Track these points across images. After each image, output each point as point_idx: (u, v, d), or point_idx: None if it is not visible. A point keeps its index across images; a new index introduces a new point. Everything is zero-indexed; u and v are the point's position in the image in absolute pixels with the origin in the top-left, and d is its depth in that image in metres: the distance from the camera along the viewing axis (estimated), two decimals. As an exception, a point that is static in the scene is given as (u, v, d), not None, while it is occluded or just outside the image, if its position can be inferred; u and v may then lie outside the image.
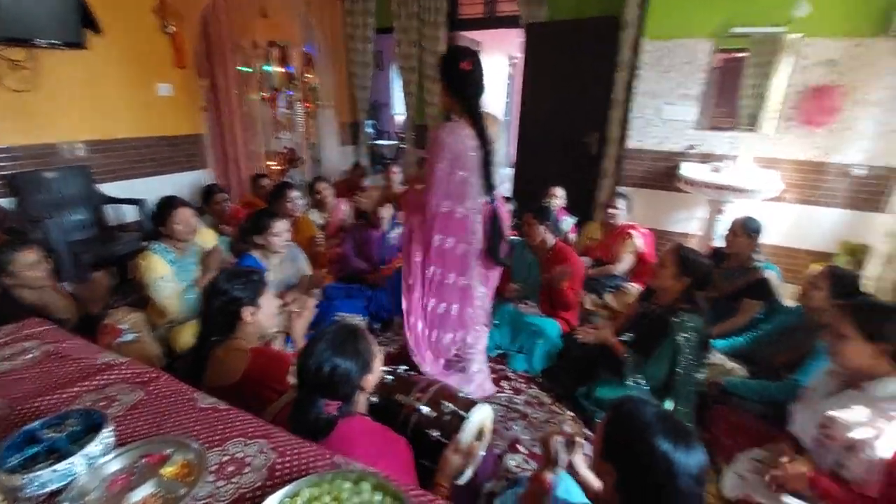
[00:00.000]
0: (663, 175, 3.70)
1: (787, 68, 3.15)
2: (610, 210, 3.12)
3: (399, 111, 7.64)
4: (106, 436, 0.90)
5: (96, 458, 0.87)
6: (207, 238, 2.50)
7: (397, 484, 0.82)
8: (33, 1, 2.56)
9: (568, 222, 3.54)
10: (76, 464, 0.84)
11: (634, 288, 2.84)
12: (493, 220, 1.77)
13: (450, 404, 1.45)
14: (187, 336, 2.08)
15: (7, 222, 2.67)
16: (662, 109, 3.57)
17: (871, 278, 2.87)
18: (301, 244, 2.80)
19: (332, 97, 5.23)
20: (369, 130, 6.47)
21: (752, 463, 1.54)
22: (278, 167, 5.37)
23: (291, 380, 1.39)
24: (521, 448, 1.87)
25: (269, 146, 4.98)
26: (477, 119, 1.66)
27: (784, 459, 1.33)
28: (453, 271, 1.85)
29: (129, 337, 2.08)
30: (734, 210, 3.09)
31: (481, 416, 1.49)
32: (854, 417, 1.23)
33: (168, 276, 2.16)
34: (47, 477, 0.82)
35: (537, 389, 2.24)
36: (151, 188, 3.42)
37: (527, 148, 4.40)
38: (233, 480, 0.86)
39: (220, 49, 4.02)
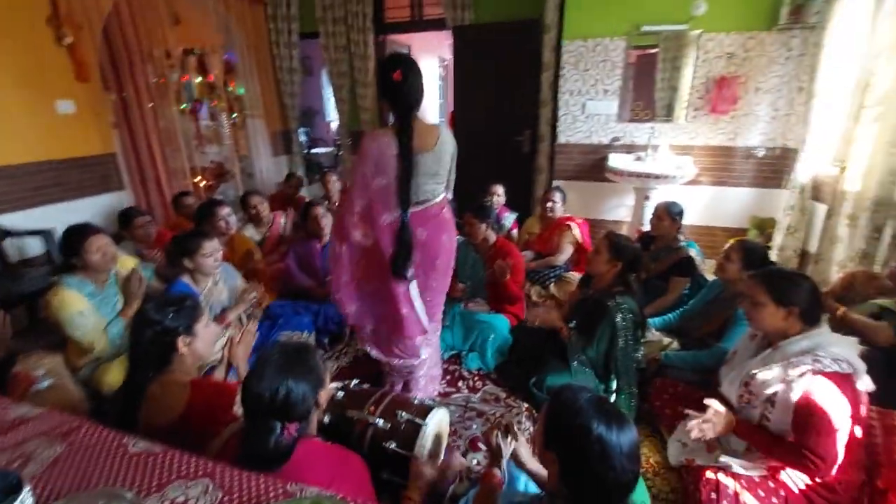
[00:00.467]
0: (593, 167, 3.90)
1: (692, 62, 3.43)
2: (547, 204, 3.24)
3: (333, 118, 7.47)
4: (24, 498, 0.80)
5: (13, 526, 0.77)
6: (129, 266, 2.30)
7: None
8: None
9: (509, 218, 3.63)
10: (-10, 535, 0.74)
11: (576, 276, 2.97)
12: (400, 232, 1.74)
13: (405, 413, 1.45)
14: (115, 375, 1.90)
15: None
16: (586, 106, 3.76)
17: (777, 248, 3.20)
18: (238, 263, 2.66)
19: (260, 106, 5.00)
20: (303, 139, 6.27)
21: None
22: (206, 183, 5.05)
23: (238, 410, 1.31)
24: (481, 446, 1.89)
25: (193, 161, 4.67)
26: (404, 129, 1.64)
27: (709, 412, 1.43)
28: (372, 269, 1.85)
29: (46, 384, 1.86)
30: (658, 195, 3.32)
31: (437, 421, 1.49)
32: (771, 374, 1.37)
33: (87, 311, 1.96)
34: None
35: (492, 386, 2.28)
36: (60, 216, 3.09)
37: (462, 148, 4.43)
38: (176, 527, 0.80)
39: (128, 59, 3.71)
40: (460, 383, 2.30)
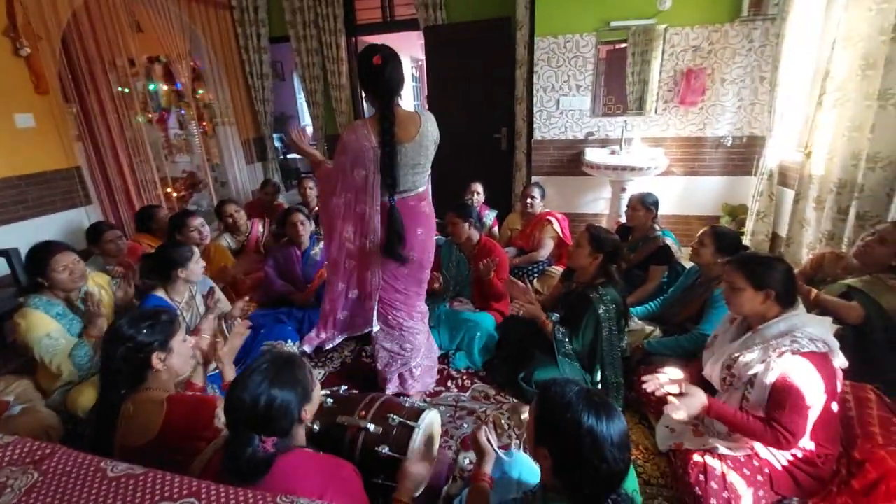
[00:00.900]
0: (570, 162, 3.95)
1: (660, 56, 3.51)
2: (527, 200, 3.26)
3: (307, 122, 7.36)
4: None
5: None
6: (101, 282, 2.22)
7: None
8: None
9: (490, 216, 3.65)
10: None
11: (558, 271, 3.00)
12: (389, 218, 1.76)
13: (396, 416, 1.43)
14: (89, 396, 1.83)
15: None
16: (560, 101, 3.81)
17: (749, 233, 3.30)
18: (215, 274, 2.60)
19: (231, 113, 4.89)
20: (277, 145, 6.16)
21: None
22: (178, 194, 4.92)
23: (220, 424, 1.28)
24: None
25: (164, 172, 4.54)
26: (385, 116, 1.63)
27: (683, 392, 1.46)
28: (354, 261, 1.87)
29: (17, 409, 1.79)
30: (634, 187, 3.38)
31: (429, 423, 1.49)
32: (751, 356, 1.40)
33: (56, 332, 1.88)
34: None
35: (481, 383, 2.28)
36: (23, 235, 2.95)
37: (440, 148, 4.44)
38: (161, 551, 0.77)
39: (89, 70, 3.58)
40: (449, 383, 2.29)
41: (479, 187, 3.58)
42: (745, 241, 3.24)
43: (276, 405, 0.99)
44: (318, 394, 1.17)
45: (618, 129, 3.71)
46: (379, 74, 1.61)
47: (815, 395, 1.31)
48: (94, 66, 3.61)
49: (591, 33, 3.58)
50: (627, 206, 2.80)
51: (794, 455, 1.40)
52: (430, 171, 1.89)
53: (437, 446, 1.55)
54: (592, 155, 3.68)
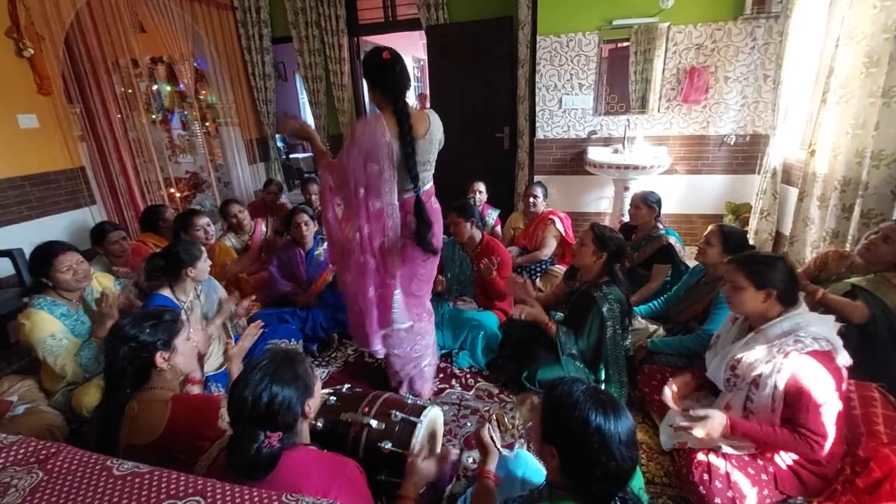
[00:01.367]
0: (572, 161, 3.95)
1: (663, 54, 3.50)
2: (529, 200, 3.26)
3: (310, 122, 7.38)
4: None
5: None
6: (105, 283, 2.23)
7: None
8: None
9: (492, 215, 3.64)
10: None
11: (561, 269, 3.00)
12: (417, 210, 1.77)
13: (399, 413, 1.44)
14: (93, 396, 1.83)
15: None
16: (563, 100, 3.80)
17: (753, 232, 3.29)
18: (217, 274, 2.60)
19: (234, 113, 4.91)
20: (280, 145, 6.18)
21: (682, 413, 1.69)
22: (181, 194, 4.94)
23: (223, 424, 1.28)
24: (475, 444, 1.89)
25: (167, 172, 4.55)
26: (399, 112, 1.64)
27: (702, 415, 1.45)
28: (373, 259, 1.84)
29: (21, 409, 1.80)
30: (637, 186, 3.37)
31: (431, 419, 1.49)
32: (755, 356, 1.40)
33: (60, 333, 1.89)
34: None
35: (485, 382, 2.28)
36: (27, 236, 2.97)
37: (443, 147, 4.45)
38: (167, 549, 0.77)
39: (92, 70, 3.59)
40: (453, 381, 2.29)
41: (481, 186, 3.58)
42: (749, 239, 3.22)
43: (277, 400, 1.00)
44: (320, 388, 1.17)
45: (620, 127, 3.70)
46: (391, 70, 1.63)
47: (827, 392, 1.30)
48: (98, 67, 3.62)
49: (594, 32, 3.57)
50: (630, 204, 2.80)
51: (813, 459, 1.38)
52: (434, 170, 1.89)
53: (440, 443, 1.55)
54: (595, 154, 3.67)
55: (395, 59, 1.63)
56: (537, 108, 3.88)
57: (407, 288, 1.91)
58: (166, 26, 4.06)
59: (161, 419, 1.23)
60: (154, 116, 4.80)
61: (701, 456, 1.42)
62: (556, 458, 0.94)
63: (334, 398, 1.53)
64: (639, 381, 1.97)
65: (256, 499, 0.87)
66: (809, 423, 1.29)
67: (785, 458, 1.40)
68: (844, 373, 1.38)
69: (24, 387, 1.93)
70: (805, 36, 2.89)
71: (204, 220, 2.72)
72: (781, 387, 1.34)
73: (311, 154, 7.48)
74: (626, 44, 3.59)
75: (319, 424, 1.42)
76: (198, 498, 0.87)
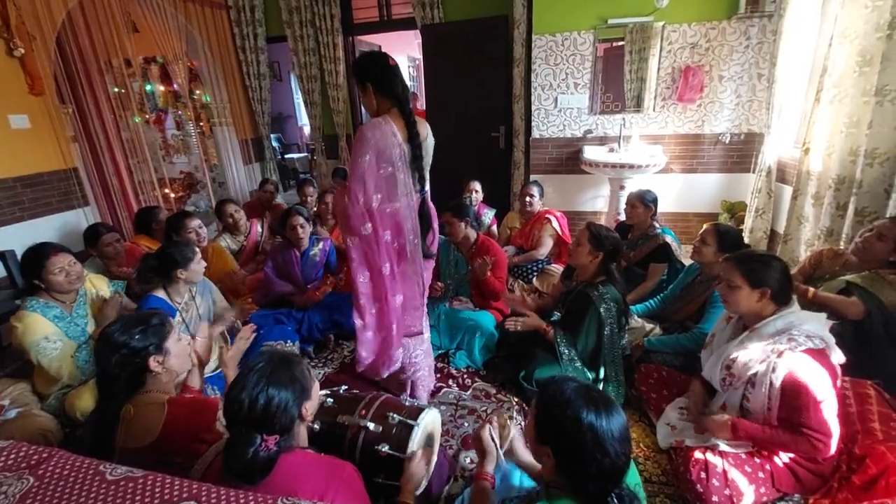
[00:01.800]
0: (568, 160, 3.95)
1: (657, 53, 3.50)
2: (525, 199, 3.26)
3: (305, 122, 7.35)
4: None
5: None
6: (99, 284, 2.21)
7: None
8: None
9: (488, 215, 3.64)
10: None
11: (558, 269, 3.00)
12: (420, 214, 1.78)
13: (396, 415, 1.43)
14: (88, 400, 1.82)
15: None
16: (558, 99, 3.80)
17: (748, 230, 3.31)
18: (215, 275, 2.58)
19: (228, 113, 4.88)
20: (275, 145, 6.15)
21: (678, 411, 1.69)
22: (176, 195, 4.90)
23: (221, 427, 1.27)
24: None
25: (161, 173, 4.52)
26: (407, 115, 1.66)
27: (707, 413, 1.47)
28: (388, 264, 1.82)
29: (13, 413, 1.78)
30: (633, 185, 3.38)
31: (429, 422, 1.48)
32: (750, 356, 1.40)
33: (54, 335, 1.87)
34: None
35: (482, 382, 2.28)
36: (20, 237, 2.94)
37: (438, 146, 4.43)
38: (161, 555, 0.76)
39: (85, 70, 3.56)
40: (450, 382, 2.29)
41: (477, 186, 3.58)
42: (744, 238, 3.24)
43: (274, 403, 0.99)
44: (318, 391, 1.16)
45: (616, 126, 3.71)
46: (397, 74, 1.66)
47: (825, 389, 1.30)
48: (90, 67, 3.59)
49: (589, 31, 3.57)
50: (626, 203, 2.80)
51: (819, 459, 1.38)
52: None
53: (437, 445, 1.55)
54: (591, 153, 3.67)
55: (397, 65, 1.69)
56: (533, 108, 3.88)
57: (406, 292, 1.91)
58: (159, 26, 4.03)
59: (157, 422, 1.22)
60: (148, 116, 4.76)
61: (698, 454, 1.43)
62: (551, 458, 0.94)
63: (331, 400, 1.52)
64: (636, 379, 1.97)
65: (252, 502, 0.86)
66: (811, 422, 1.29)
67: (782, 456, 1.41)
68: (838, 370, 1.38)
69: (16, 390, 1.91)
70: (799, 35, 2.90)
71: (195, 223, 2.70)
72: (777, 385, 1.34)
73: (305, 154, 7.47)
74: (621, 43, 3.59)
75: (316, 427, 1.41)
76: (192, 502, 0.86)
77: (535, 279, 3.14)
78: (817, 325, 1.38)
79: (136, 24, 4.15)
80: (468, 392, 2.21)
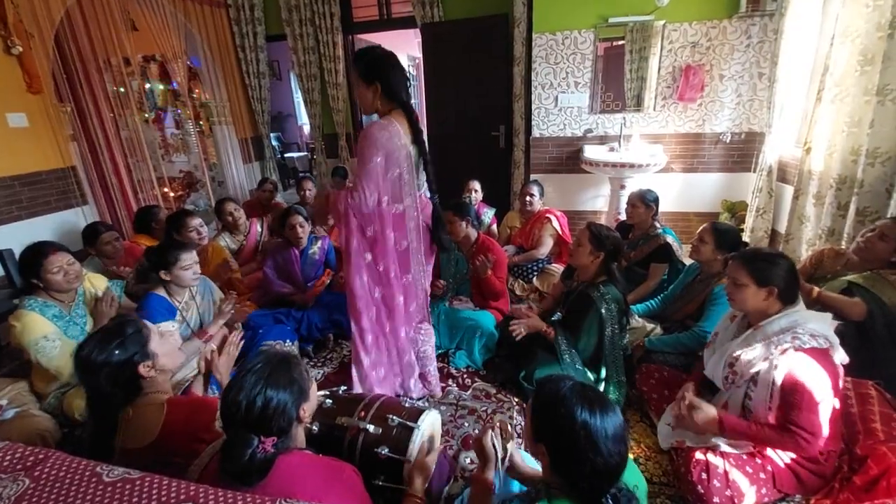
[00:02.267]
0: (568, 159, 3.94)
1: (658, 52, 3.49)
2: (526, 198, 3.25)
3: (305, 121, 7.34)
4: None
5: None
6: (98, 283, 2.20)
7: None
8: None
9: (488, 214, 3.63)
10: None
11: (558, 268, 2.99)
12: (434, 212, 1.83)
13: (396, 417, 1.42)
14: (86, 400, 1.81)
15: None
16: (559, 98, 3.79)
17: (749, 230, 3.30)
18: (212, 274, 2.57)
19: (228, 112, 4.86)
20: (275, 144, 6.13)
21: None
22: (175, 193, 4.89)
23: (220, 426, 1.26)
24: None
25: (161, 171, 4.51)
26: (411, 115, 1.65)
27: (691, 404, 1.46)
28: (394, 266, 1.82)
29: (11, 413, 1.77)
30: (633, 184, 3.37)
31: (430, 423, 1.47)
32: (754, 354, 1.39)
33: (53, 334, 1.86)
34: None
35: (482, 382, 2.27)
36: (18, 236, 2.93)
37: (438, 145, 4.44)
38: (158, 557, 0.75)
39: (83, 69, 3.54)
40: (450, 381, 2.28)
41: (476, 185, 3.57)
42: (745, 237, 3.23)
43: (272, 405, 0.98)
44: (316, 392, 1.15)
45: (616, 126, 3.70)
46: (405, 75, 1.66)
47: (823, 390, 1.30)
48: (89, 65, 3.57)
49: (590, 30, 3.56)
50: (627, 203, 2.79)
51: (801, 455, 1.38)
52: None
53: (437, 446, 1.54)
54: (591, 152, 3.66)
55: (399, 62, 1.66)
56: (533, 107, 3.87)
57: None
58: (158, 24, 4.01)
59: (156, 422, 1.22)
60: (147, 115, 4.75)
61: (699, 455, 1.42)
62: (546, 457, 0.93)
63: (330, 401, 1.52)
64: (637, 379, 1.96)
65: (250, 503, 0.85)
66: (801, 420, 1.29)
67: (783, 457, 1.40)
68: (841, 370, 1.38)
69: (14, 390, 1.90)
70: (800, 34, 2.89)
71: (196, 221, 2.68)
72: (779, 383, 1.33)
73: (305, 153, 7.45)
74: (621, 42, 3.58)
75: (315, 428, 1.40)
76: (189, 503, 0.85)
77: (535, 279, 3.14)
78: (822, 325, 1.37)
79: (134, 22, 4.13)
80: (468, 392, 2.20)
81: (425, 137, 1.77)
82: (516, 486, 1.27)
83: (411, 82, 1.84)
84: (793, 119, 3.16)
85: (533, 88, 3.82)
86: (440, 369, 2.35)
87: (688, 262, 2.37)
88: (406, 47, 7.67)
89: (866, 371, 1.62)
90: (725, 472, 1.37)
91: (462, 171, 3.71)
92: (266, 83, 5.10)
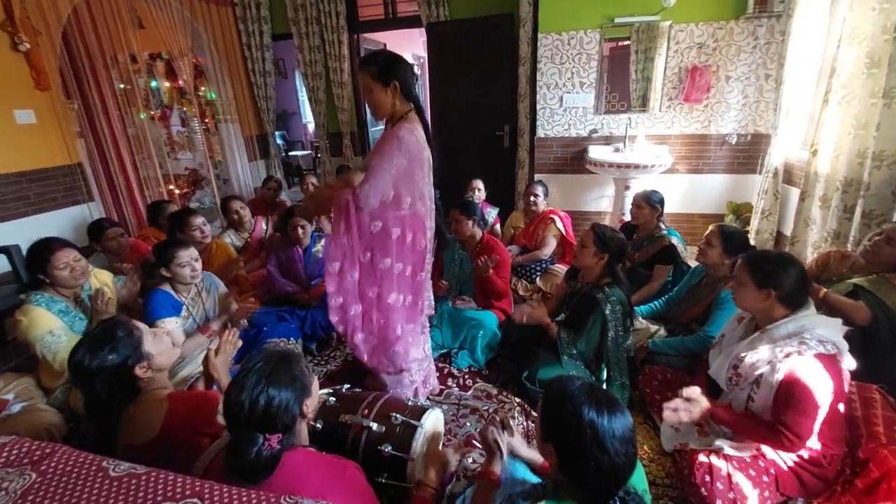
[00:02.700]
0: (573, 160, 3.93)
1: (664, 53, 3.48)
2: (530, 199, 3.24)
3: (309, 119, 7.35)
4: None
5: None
6: (104, 280, 2.21)
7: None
8: None
9: (491, 213, 3.63)
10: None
11: (562, 269, 2.99)
12: (437, 211, 1.87)
13: (399, 415, 1.43)
14: (92, 394, 1.82)
15: None
16: (564, 99, 3.79)
17: (754, 232, 3.28)
18: (218, 272, 2.58)
19: (233, 110, 4.88)
20: (279, 142, 6.15)
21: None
22: (180, 191, 4.92)
23: (222, 420, 1.27)
24: (476, 443, 1.88)
25: (166, 169, 4.53)
26: (424, 118, 1.68)
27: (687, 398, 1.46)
28: (410, 265, 1.83)
29: (17, 408, 1.78)
30: (638, 185, 3.36)
31: (432, 422, 1.48)
32: (759, 356, 1.39)
33: (59, 329, 1.87)
34: None
35: (483, 383, 2.27)
36: (25, 232, 2.95)
37: (442, 144, 4.43)
38: (164, 552, 0.76)
39: (90, 66, 3.57)
40: (450, 381, 2.28)
41: (479, 184, 3.57)
42: (750, 239, 3.21)
43: (274, 403, 0.98)
44: (317, 387, 1.15)
45: (622, 126, 3.69)
46: (416, 76, 1.67)
47: (822, 396, 1.29)
48: (96, 62, 3.60)
49: (596, 30, 3.55)
50: (632, 204, 2.78)
51: (799, 456, 1.39)
52: None
53: (440, 445, 1.55)
54: (596, 153, 3.65)
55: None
56: (538, 107, 3.86)
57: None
58: (165, 22, 4.03)
59: (158, 418, 1.22)
60: (153, 112, 4.77)
61: (702, 457, 1.42)
62: (555, 456, 0.93)
63: (334, 399, 1.52)
64: (640, 381, 1.96)
65: (255, 501, 0.86)
66: (790, 421, 1.29)
67: (786, 460, 1.39)
68: (847, 375, 1.37)
69: (21, 384, 1.91)
70: (807, 36, 2.87)
71: (199, 220, 2.69)
72: (780, 381, 1.33)
73: (309, 152, 7.46)
74: (627, 42, 3.57)
75: (319, 426, 1.41)
76: (195, 500, 0.86)
77: (538, 279, 3.13)
78: (831, 330, 1.36)
79: (141, 19, 4.15)
80: (469, 392, 2.21)
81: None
82: (520, 475, 1.27)
83: (417, 79, 1.85)
84: (799, 121, 3.14)
85: (538, 88, 3.81)
86: (441, 369, 2.35)
87: (692, 263, 2.36)
88: (411, 46, 7.66)
89: (871, 375, 1.61)
90: (729, 475, 1.37)
91: (466, 171, 3.71)
92: (271, 81, 5.11)
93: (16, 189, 3.07)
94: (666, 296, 2.37)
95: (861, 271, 1.92)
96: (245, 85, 5.06)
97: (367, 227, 1.68)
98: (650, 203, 2.66)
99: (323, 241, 2.88)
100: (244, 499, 0.86)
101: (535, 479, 1.27)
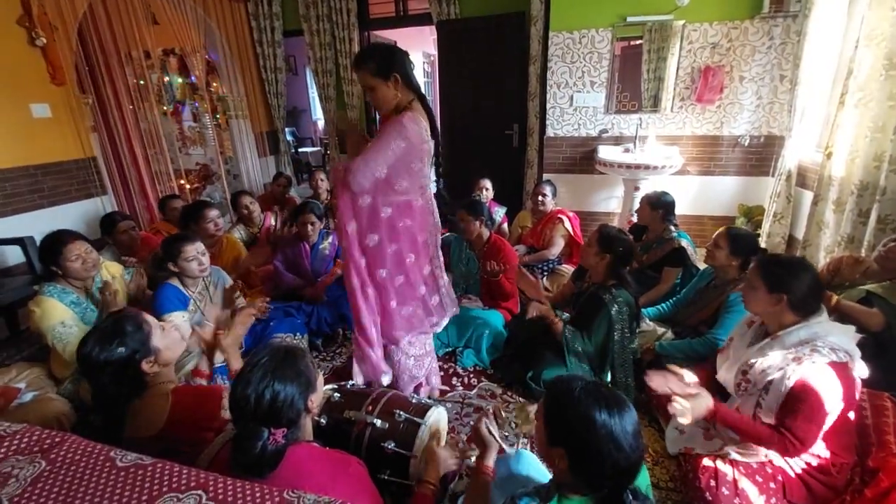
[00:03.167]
0: (582, 160, 3.91)
1: (677, 52, 3.44)
2: (538, 198, 3.23)
3: (319, 116, 7.39)
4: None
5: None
6: (115, 272, 2.25)
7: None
8: None
9: (499, 213, 3.62)
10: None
11: (569, 269, 2.97)
12: (438, 199, 1.86)
13: (403, 412, 1.43)
14: (102, 385, 1.85)
15: None
16: (574, 98, 3.76)
17: (765, 235, 3.24)
18: (227, 266, 2.61)
19: (245, 106, 4.92)
20: (289, 139, 6.19)
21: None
22: (191, 186, 4.97)
23: (226, 415, 1.28)
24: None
25: (178, 164, 4.58)
26: (429, 109, 1.67)
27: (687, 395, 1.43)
28: (412, 253, 1.81)
29: (28, 397, 1.82)
30: (648, 186, 3.33)
31: (436, 419, 1.48)
32: (769, 363, 1.37)
33: (70, 321, 1.91)
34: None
35: (487, 382, 2.27)
36: (39, 224, 3.01)
37: (451, 143, 4.44)
38: (168, 542, 0.77)
39: (105, 61, 3.61)
40: (455, 380, 2.28)
41: (487, 184, 3.56)
42: (761, 243, 3.17)
43: (280, 398, 0.99)
44: (322, 382, 1.16)
45: (632, 126, 3.65)
46: (413, 66, 1.66)
47: (831, 404, 1.27)
48: (110, 58, 3.65)
49: (607, 28, 3.52)
50: (640, 204, 2.76)
51: (808, 463, 1.36)
52: None
53: (444, 443, 1.55)
54: (606, 153, 3.63)
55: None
56: (548, 106, 3.84)
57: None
58: (178, 18, 4.07)
59: (163, 411, 1.24)
60: (165, 108, 4.83)
61: (708, 461, 1.40)
62: (565, 460, 0.92)
63: (338, 395, 1.53)
64: (645, 384, 1.94)
65: (258, 494, 0.87)
66: (796, 426, 1.27)
67: (794, 467, 1.37)
68: (859, 383, 1.35)
69: (32, 374, 1.95)
70: (824, 36, 2.82)
71: (215, 213, 2.71)
72: (790, 388, 1.31)
73: (318, 148, 7.50)
74: (639, 41, 3.53)
75: (323, 421, 1.42)
76: (199, 492, 0.87)
77: (545, 279, 3.12)
78: (844, 338, 1.33)
79: (155, 16, 4.20)
80: (473, 391, 2.21)
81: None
82: (523, 472, 1.26)
83: (425, 75, 1.84)
84: (814, 123, 3.09)
85: (548, 87, 3.79)
86: (446, 369, 2.35)
87: (702, 266, 2.33)
88: (422, 44, 7.67)
89: (883, 382, 1.58)
90: (734, 481, 1.35)
91: (475, 169, 3.70)
92: (282, 78, 5.14)
93: (31, 181, 3.12)
94: (673, 298, 2.35)
95: (874, 277, 1.89)
96: (256, 81, 5.09)
97: (357, 202, 1.65)
98: (651, 205, 2.63)
99: (330, 239, 2.89)
100: (248, 491, 0.87)
101: (538, 477, 1.26)
